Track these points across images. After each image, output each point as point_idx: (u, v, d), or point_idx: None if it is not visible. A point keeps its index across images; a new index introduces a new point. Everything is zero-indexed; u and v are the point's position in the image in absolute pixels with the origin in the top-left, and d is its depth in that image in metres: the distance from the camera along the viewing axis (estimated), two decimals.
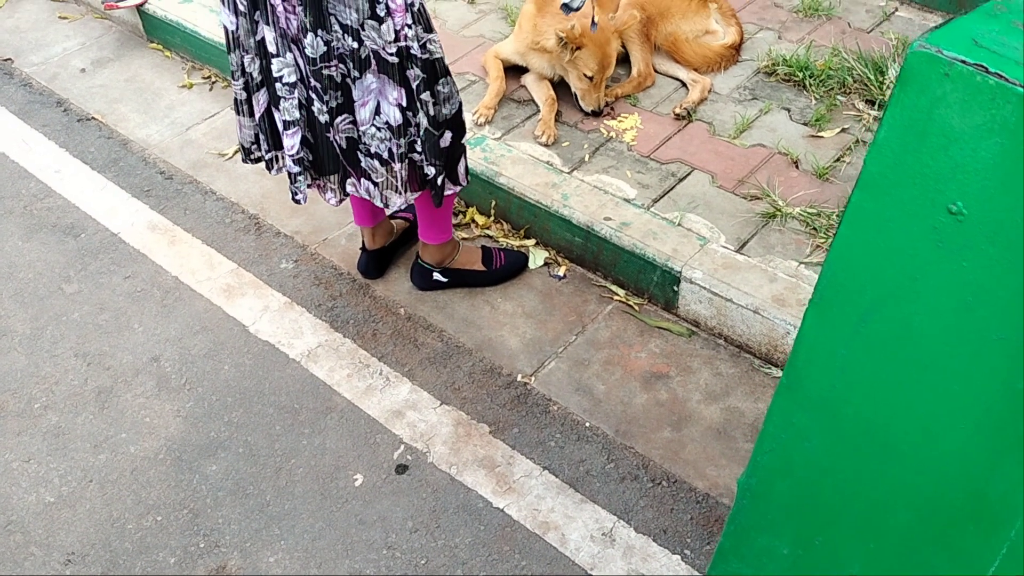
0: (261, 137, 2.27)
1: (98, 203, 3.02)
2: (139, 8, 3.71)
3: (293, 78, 2.08)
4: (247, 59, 2.12)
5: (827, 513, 1.26)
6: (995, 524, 1.07)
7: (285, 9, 1.96)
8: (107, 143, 3.30)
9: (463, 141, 2.29)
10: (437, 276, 2.65)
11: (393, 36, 1.98)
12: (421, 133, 2.15)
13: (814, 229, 2.60)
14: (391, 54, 2.00)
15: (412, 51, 2.02)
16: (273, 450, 2.29)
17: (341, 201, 2.33)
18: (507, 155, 2.88)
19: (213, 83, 3.57)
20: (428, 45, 2.06)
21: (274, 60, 2.06)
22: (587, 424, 2.34)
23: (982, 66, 0.85)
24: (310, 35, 1.98)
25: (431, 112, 2.13)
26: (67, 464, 2.27)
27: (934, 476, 1.08)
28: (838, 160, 2.84)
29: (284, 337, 2.57)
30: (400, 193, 2.23)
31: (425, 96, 2.10)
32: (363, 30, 1.97)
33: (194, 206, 3.01)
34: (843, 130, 2.95)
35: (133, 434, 2.34)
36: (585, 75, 2.92)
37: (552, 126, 2.97)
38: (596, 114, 3.02)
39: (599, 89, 2.98)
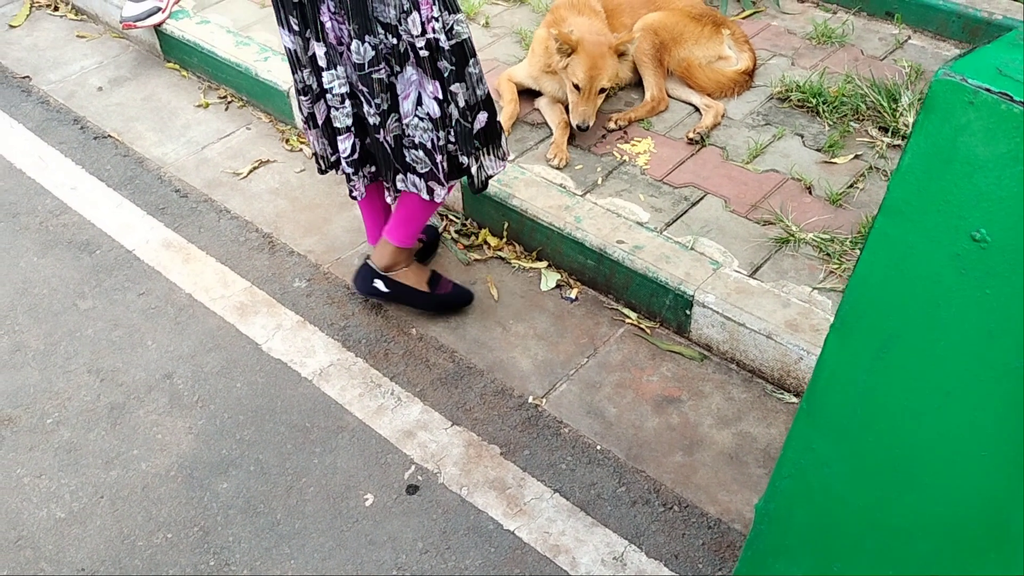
0: (327, 143, 2.41)
1: (113, 220, 3.04)
2: (157, 28, 3.74)
3: (343, 90, 2.22)
4: (306, 73, 2.25)
5: (847, 540, 1.25)
6: (1018, 553, 1.07)
7: (334, 20, 2.07)
8: (123, 161, 3.32)
9: (498, 118, 2.34)
10: (378, 283, 2.62)
11: (420, 29, 2.05)
12: (453, 124, 2.23)
13: (827, 255, 2.60)
14: (421, 47, 2.08)
15: (440, 43, 2.09)
16: (284, 469, 2.29)
17: (396, 199, 2.44)
18: (520, 177, 2.89)
19: (229, 103, 3.60)
20: (455, 27, 2.11)
21: (324, 73, 2.20)
22: (598, 447, 2.33)
23: (1007, 95, 0.86)
24: (355, 42, 2.08)
25: (461, 102, 2.19)
26: (78, 480, 2.27)
27: (956, 505, 1.08)
28: (851, 186, 2.85)
29: (296, 356, 2.57)
30: (443, 184, 2.33)
31: (455, 87, 2.17)
32: (400, 24, 2.05)
33: (209, 224, 3.03)
34: (856, 156, 2.96)
35: (145, 451, 2.34)
36: (574, 85, 2.92)
37: (564, 149, 2.98)
38: (582, 129, 2.96)
39: (586, 103, 2.93)
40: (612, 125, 3.11)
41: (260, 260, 2.87)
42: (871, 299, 1.02)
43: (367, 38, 2.07)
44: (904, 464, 1.10)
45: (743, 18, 3.71)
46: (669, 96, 3.23)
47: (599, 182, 2.90)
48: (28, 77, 3.78)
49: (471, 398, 2.46)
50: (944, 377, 1.01)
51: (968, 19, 3.43)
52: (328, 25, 2.09)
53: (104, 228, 3.01)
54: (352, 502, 2.21)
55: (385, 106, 2.20)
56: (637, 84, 3.27)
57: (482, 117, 2.26)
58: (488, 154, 2.35)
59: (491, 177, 2.40)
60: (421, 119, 2.21)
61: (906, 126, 3.01)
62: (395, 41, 2.08)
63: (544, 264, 2.83)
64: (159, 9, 3.70)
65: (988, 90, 0.86)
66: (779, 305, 2.44)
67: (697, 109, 3.20)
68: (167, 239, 2.97)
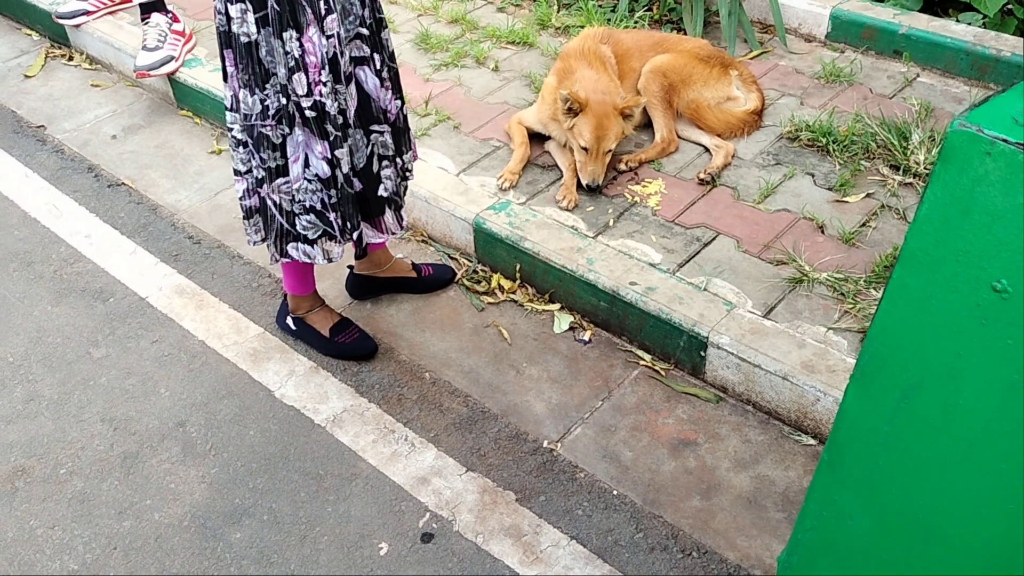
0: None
1: (127, 267, 3.05)
2: (170, 76, 3.79)
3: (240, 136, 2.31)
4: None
5: None
6: None
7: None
8: (137, 208, 3.34)
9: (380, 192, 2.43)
10: (288, 321, 2.73)
11: (306, 90, 2.12)
12: (339, 186, 2.28)
13: (841, 295, 2.59)
14: (307, 107, 2.14)
15: (327, 107, 2.16)
16: (297, 517, 2.27)
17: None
18: (532, 220, 2.89)
19: None
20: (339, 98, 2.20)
21: (227, 113, 2.29)
22: (615, 492, 2.30)
23: None
24: (243, 92, 2.17)
25: (345, 168, 2.27)
26: (91, 531, 2.26)
27: (980, 558, 1.06)
28: (864, 225, 2.84)
29: (309, 402, 2.56)
30: (339, 242, 2.38)
31: (339, 152, 2.23)
32: (288, 83, 2.13)
33: (222, 270, 3.04)
34: (868, 195, 2.95)
35: (158, 500, 2.32)
36: (581, 146, 2.94)
37: (574, 192, 2.99)
38: (593, 189, 2.96)
39: (595, 162, 2.94)
40: (623, 167, 3.12)
41: (273, 306, 2.88)
42: (891, 349, 1.01)
43: (256, 91, 2.12)
44: (928, 516, 1.08)
45: (751, 58, 3.73)
46: (679, 137, 3.24)
47: (611, 223, 2.90)
48: (43, 126, 3.82)
49: (485, 443, 2.44)
50: (967, 428, 1.00)
51: (976, 56, 3.44)
52: (231, 71, 2.16)
53: (118, 276, 3.02)
54: (367, 551, 2.19)
55: (273, 164, 2.23)
56: (647, 125, 3.28)
57: (357, 184, 2.35)
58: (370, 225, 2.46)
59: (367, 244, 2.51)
60: (310, 181, 2.24)
61: (917, 164, 3.01)
62: (284, 100, 2.13)
63: (557, 306, 2.83)
64: (172, 58, 3.75)
65: (1006, 141, 0.86)
66: (794, 346, 2.42)
67: (707, 149, 3.21)
68: (180, 286, 2.97)
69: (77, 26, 4.17)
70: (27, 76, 4.16)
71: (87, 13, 4.16)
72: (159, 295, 2.94)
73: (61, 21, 4.18)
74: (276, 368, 2.67)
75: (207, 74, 3.76)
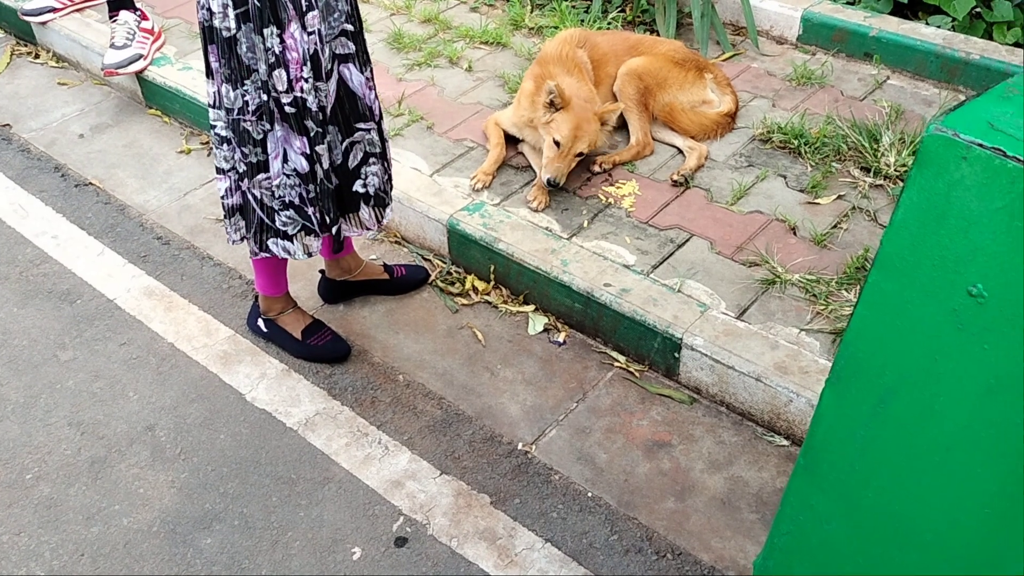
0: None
1: (95, 269, 3.01)
2: (139, 75, 3.74)
3: (224, 133, 2.30)
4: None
5: None
6: None
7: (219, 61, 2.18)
8: (105, 208, 3.29)
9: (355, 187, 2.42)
10: (260, 323, 2.70)
11: (286, 86, 2.11)
12: (318, 182, 2.27)
13: (814, 296, 2.60)
14: (287, 103, 2.13)
15: (308, 103, 2.14)
16: (269, 522, 2.24)
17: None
18: (506, 221, 2.88)
19: (211, 149, 3.58)
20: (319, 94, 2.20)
21: (210, 111, 2.28)
22: (589, 494, 2.30)
23: (1000, 150, 0.85)
24: (226, 87, 2.15)
25: (325, 164, 2.27)
26: (59, 537, 2.22)
27: (955, 562, 1.06)
28: (835, 227, 2.86)
29: (281, 405, 2.53)
30: (318, 236, 2.37)
31: (320, 148, 2.23)
32: (268, 79, 2.13)
33: (191, 272, 3.00)
34: (839, 197, 2.97)
35: (126, 506, 2.29)
36: (555, 140, 2.92)
37: (545, 193, 2.98)
38: (553, 185, 2.91)
39: (562, 160, 2.91)
40: (597, 168, 3.11)
41: (244, 307, 2.84)
42: (867, 353, 1.01)
43: (237, 86, 2.12)
44: (904, 521, 1.08)
45: (723, 60, 3.75)
46: (653, 139, 3.25)
47: (585, 225, 2.90)
48: (8, 125, 3.76)
49: (460, 446, 2.42)
50: (943, 433, 1.00)
51: (946, 59, 3.48)
52: (214, 66, 2.15)
53: (85, 277, 2.97)
54: (339, 556, 2.16)
55: (254, 159, 2.22)
56: (622, 126, 3.28)
57: (334, 179, 2.34)
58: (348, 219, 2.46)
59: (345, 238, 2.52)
60: (288, 176, 2.23)
61: (887, 166, 3.03)
62: (264, 97, 2.12)
63: (531, 308, 2.82)
64: (141, 56, 3.70)
65: (981, 145, 0.86)
66: (767, 347, 2.43)
67: (681, 151, 3.22)
68: (149, 287, 2.93)
69: (43, 23, 4.11)
70: None
71: (54, 10, 4.10)
72: (127, 297, 2.90)
73: (27, 18, 4.11)
74: (247, 371, 2.63)
75: (176, 72, 3.71)
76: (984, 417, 0.95)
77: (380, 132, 2.40)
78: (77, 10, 4.17)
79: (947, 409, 0.98)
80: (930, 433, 1.01)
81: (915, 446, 1.03)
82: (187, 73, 3.70)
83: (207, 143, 3.62)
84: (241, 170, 2.26)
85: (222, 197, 2.34)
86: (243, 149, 2.22)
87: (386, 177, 2.46)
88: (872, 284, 0.97)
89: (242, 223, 2.37)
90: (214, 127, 2.23)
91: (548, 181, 2.91)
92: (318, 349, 2.65)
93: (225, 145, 2.24)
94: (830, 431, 1.11)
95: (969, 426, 0.97)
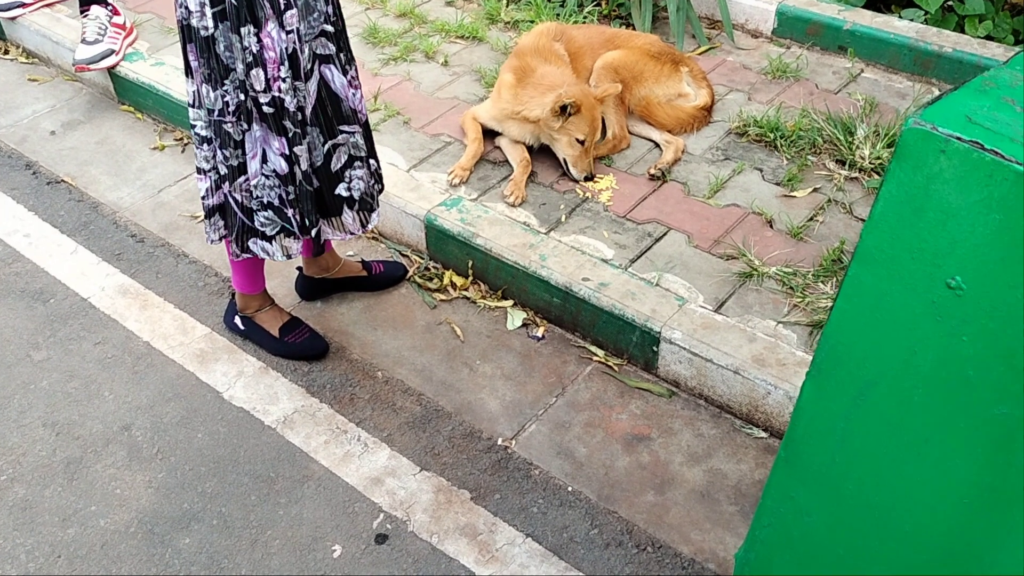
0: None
1: (68, 268, 2.97)
2: (111, 70, 3.69)
3: (204, 132, 2.27)
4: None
5: None
6: None
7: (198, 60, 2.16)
8: (77, 206, 3.25)
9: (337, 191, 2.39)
10: (237, 320, 2.68)
11: (264, 85, 2.09)
12: (297, 184, 2.26)
13: (791, 288, 2.62)
14: (265, 103, 2.12)
15: (286, 103, 2.13)
16: (248, 521, 2.23)
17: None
18: (484, 216, 2.87)
19: (185, 145, 3.55)
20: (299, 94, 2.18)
21: (190, 110, 2.26)
22: (569, 488, 2.30)
23: (978, 143, 0.86)
24: (206, 87, 2.13)
25: (304, 165, 2.24)
26: (34, 539, 2.19)
27: (935, 552, 1.07)
28: (811, 219, 2.87)
29: (259, 403, 2.52)
30: (297, 239, 2.35)
31: (298, 149, 2.21)
32: (246, 79, 2.10)
33: (166, 269, 2.97)
34: (815, 190, 2.99)
35: (103, 507, 2.26)
36: (577, 140, 2.94)
37: (522, 188, 2.98)
38: (589, 179, 3.01)
39: (589, 155, 2.99)
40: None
41: (220, 305, 2.82)
42: (847, 346, 1.02)
43: (217, 86, 2.10)
44: (884, 512, 1.09)
45: (699, 54, 3.76)
46: (630, 133, 3.25)
47: (563, 219, 2.90)
48: None
49: (439, 442, 2.42)
50: (922, 424, 1.01)
51: (919, 52, 3.51)
52: (193, 65, 2.12)
53: (58, 276, 2.93)
54: (320, 554, 2.15)
55: (235, 162, 2.20)
56: None
57: (315, 182, 2.32)
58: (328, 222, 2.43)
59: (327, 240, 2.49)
60: (267, 176, 2.21)
61: (862, 158, 3.05)
62: (243, 97, 2.10)
63: (510, 303, 2.82)
64: (113, 51, 3.65)
65: (959, 139, 0.87)
66: (745, 340, 2.44)
67: (657, 145, 3.22)
68: (123, 286, 2.90)
69: (12, 19, 4.05)
70: None
71: (23, 5, 4.04)
72: (102, 295, 2.86)
73: None
74: (224, 369, 2.61)
75: (149, 68, 3.67)
76: (962, 408, 0.96)
77: (367, 135, 2.38)
78: (47, 5, 4.11)
79: (926, 401, 0.99)
80: (909, 425, 1.01)
81: (894, 438, 1.03)
82: (160, 68, 3.66)
83: (181, 139, 3.58)
84: (223, 172, 2.23)
85: (202, 197, 2.31)
86: (224, 152, 2.19)
87: (372, 181, 2.44)
88: (852, 277, 0.98)
89: (221, 223, 2.35)
90: (194, 126, 2.21)
91: (585, 178, 3.02)
92: (296, 346, 2.63)
93: (205, 145, 2.22)
94: (810, 424, 1.11)
95: (948, 418, 0.98)
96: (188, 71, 2.15)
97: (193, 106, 2.19)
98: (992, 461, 0.97)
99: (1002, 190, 0.85)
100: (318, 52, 2.17)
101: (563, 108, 2.88)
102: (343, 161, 2.33)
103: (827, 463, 1.11)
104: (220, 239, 2.38)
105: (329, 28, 2.17)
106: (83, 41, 3.65)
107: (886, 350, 0.99)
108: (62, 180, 3.38)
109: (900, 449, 1.04)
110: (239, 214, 2.28)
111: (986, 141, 0.86)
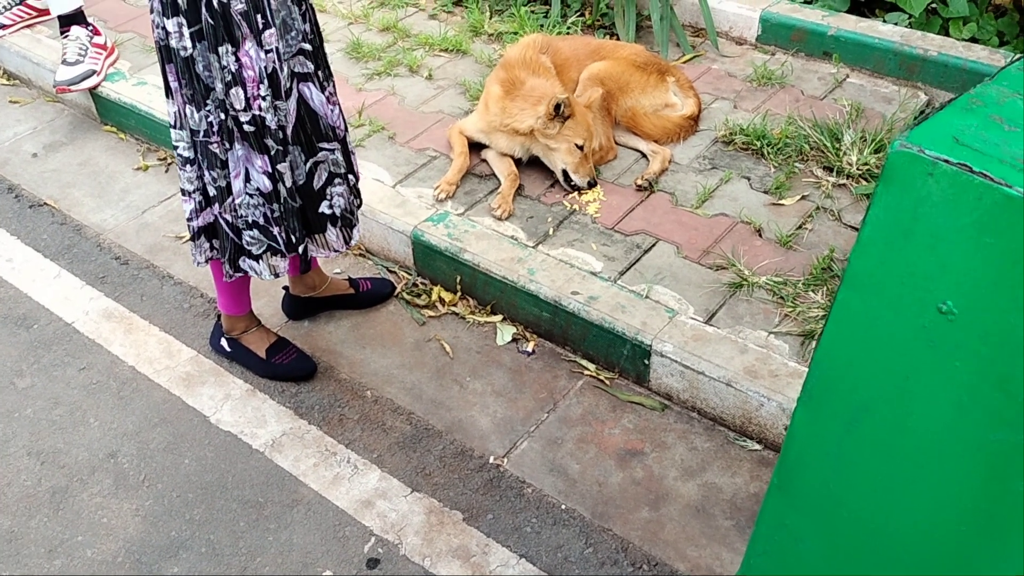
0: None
1: (51, 292, 2.93)
2: (92, 91, 3.66)
3: (187, 153, 2.25)
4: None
5: None
6: None
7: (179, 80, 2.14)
8: (60, 229, 3.22)
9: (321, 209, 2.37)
10: (223, 342, 2.66)
11: (244, 104, 2.08)
12: (282, 201, 2.24)
13: (781, 298, 2.60)
14: (246, 122, 2.10)
15: (267, 121, 2.11)
16: (237, 548, 2.20)
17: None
18: (471, 231, 2.85)
19: (169, 164, 3.52)
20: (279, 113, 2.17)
21: (171, 131, 2.24)
22: (563, 506, 2.28)
23: (966, 166, 0.84)
24: (189, 108, 2.11)
25: (288, 182, 2.23)
26: (20, 571, 2.15)
27: None
28: (800, 227, 2.86)
29: (247, 426, 2.49)
30: (284, 256, 2.33)
31: (282, 167, 2.19)
32: (225, 98, 2.09)
33: (151, 292, 2.94)
34: (803, 197, 2.97)
35: (90, 536, 2.23)
36: (576, 145, 2.93)
37: (510, 201, 2.96)
38: (592, 185, 3.01)
39: (589, 160, 2.99)
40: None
41: (206, 327, 2.79)
42: (838, 372, 1.00)
43: (200, 107, 2.09)
44: (879, 539, 1.07)
45: (684, 63, 3.74)
46: (616, 143, 3.23)
47: (550, 232, 2.88)
48: None
49: (430, 462, 2.39)
50: (917, 450, 0.99)
51: (904, 56, 3.50)
52: (174, 86, 2.11)
53: (42, 301, 2.90)
54: None
55: (223, 183, 2.19)
56: None
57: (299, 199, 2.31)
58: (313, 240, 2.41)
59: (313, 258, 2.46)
60: (251, 195, 2.20)
61: (850, 165, 3.04)
62: (223, 116, 2.09)
63: (499, 318, 2.79)
64: (94, 72, 3.62)
65: (947, 161, 0.85)
66: (737, 351, 2.42)
67: (644, 155, 3.21)
68: (108, 309, 2.87)
69: None
70: None
71: (2, 27, 4.00)
72: (86, 320, 2.83)
73: None
74: (211, 392, 2.58)
75: (131, 88, 3.64)
76: (956, 434, 0.94)
77: (345, 151, 2.36)
78: (27, 26, 4.08)
79: (919, 426, 0.97)
80: (903, 451, 0.99)
81: (889, 464, 1.01)
82: (142, 88, 3.63)
83: (164, 159, 3.55)
84: (212, 194, 2.21)
85: (188, 219, 2.29)
86: (212, 173, 2.17)
87: (352, 196, 2.42)
88: (841, 302, 0.96)
89: (206, 245, 2.33)
90: (176, 147, 2.19)
91: (588, 184, 3.00)
92: (283, 367, 2.61)
93: (189, 166, 2.20)
94: (803, 450, 1.09)
95: (942, 443, 0.96)
96: (168, 92, 2.13)
97: (175, 127, 2.16)
98: (988, 488, 0.95)
99: (992, 213, 0.84)
100: (296, 70, 2.16)
101: (556, 108, 2.86)
102: (324, 178, 2.32)
103: (821, 490, 1.09)
104: (207, 261, 2.35)
105: (307, 46, 2.15)
106: (64, 62, 3.62)
107: (878, 376, 0.97)
108: (44, 203, 3.35)
109: (894, 476, 1.02)
110: (230, 235, 2.26)
111: (975, 163, 0.84)
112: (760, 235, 2.84)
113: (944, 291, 0.89)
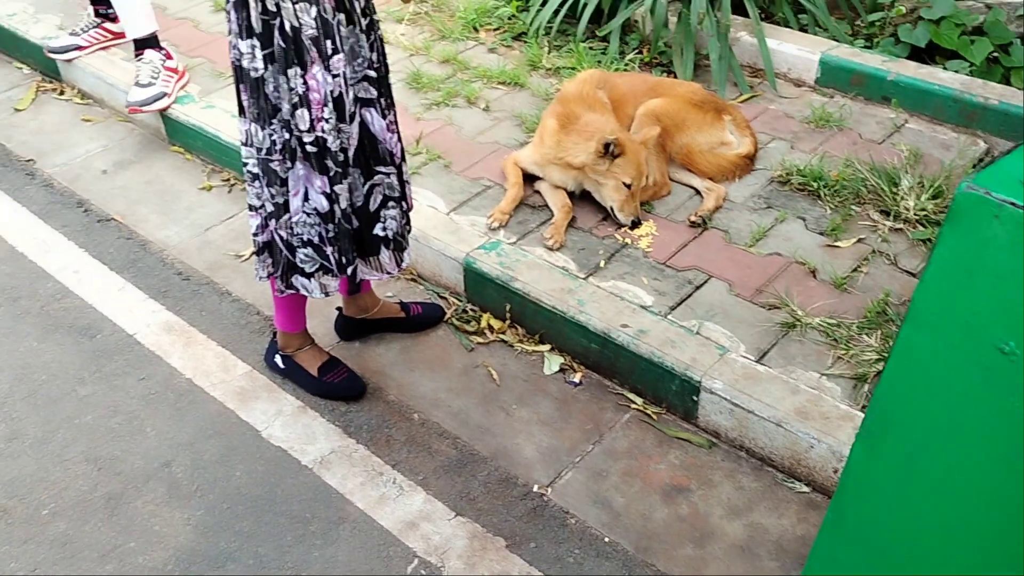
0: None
1: (115, 304, 3.02)
2: (162, 112, 3.78)
3: (255, 170, 2.32)
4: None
5: None
6: None
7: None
8: (126, 244, 3.32)
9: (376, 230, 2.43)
10: (277, 359, 2.71)
11: (308, 125, 2.14)
12: (336, 221, 2.29)
13: (835, 340, 2.59)
14: (309, 143, 2.17)
15: (328, 143, 2.18)
16: (283, 563, 2.23)
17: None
18: (522, 260, 2.89)
19: (232, 185, 3.62)
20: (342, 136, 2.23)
21: (242, 148, 2.30)
22: (606, 539, 2.28)
23: None
24: (254, 126, 2.19)
25: (343, 204, 2.28)
26: (73, 574, 2.21)
27: None
28: (856, 270, 2.85)
29: (297, 443, 2.53)
30: (335, 276, 2.39)
31: (339, 188, 2.25)
32: (291, 119, 2.16)
33: (210, 307, 3.01)
34: (859, 240, 2.96)
35: (142, 543, 2.28)
36: (624, 183, 2.95)
37: (562, 233, 2.99)
38: (636, 224, 3.01)
39: (636, 199, 3.01)
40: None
41: (261, 343, 2.85)
42: (898, 409, 1.00)
43: (265, 126, 2.16)
44: None
45: (741, 102, 3.76)
46: (671, 180, 3.25)
47: (601, 265, 2.90)
48: (32, 160, 3.80)
49: (475, 487, 2.41)
50: (972, 489, 0.99)
51: (964, 104, 3.48)
52: (245, 104, 2.18)
53: (105, 312, 2.99)
54: None
55: (280, 200, 2.25)
56: None
57: (355, 221, 2.36)
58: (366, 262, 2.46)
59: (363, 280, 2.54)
60: (308, 214, 2.25)
61: (907, 209, 3.03)
62: (287, 135, 2.16)
63: (547, 347, 2.81)
64: (165, 94, 3.74)
65: (1013, 204, 0.86)
66: (788, 392, 2.41)
67: (698, 192, 3.22)
68: (168, 323, 2.94)
69: (69, 61, 4.17)
70: (17, 109, 4.15)
71: (79, 48, 4.16)
72: (147, 332, 2.91)
73: (53, 55, 4.17)
74: (263, 407, 2.63)
75: (199, 111, 3.75)
76: (1013, 474, 0.94)
77: (400, 176, 2.42)
78: (103, 48, 4.23)
79: (976, 465, 0.97)
80: (958, 489, 0.99)
81: (945, 504, 1.01)
82: (210, 111, 3.74)
83: (228, 180, 3.65)
84: (269, 210, 2.29)
85: (253, 234, 2.36)
86: (271, 190, 2.24)
87: (403, 221, 2.47)
88: (903, 339, 0.97)
89: (269, 260, 2.39)
90: (246, 164, 2.27)
91: (632, 223, 3.01)
92: (334, 386, 2.65)
93: (256, 182, 2.27)
94: (859, 486, 1.09)
95: (998, 483, 0.96)
96: (241, 110, 2.20)
97: (245, 144, 2.24)
98: None
99: None
100: (360, 96, 2.23)
101: (606, 147, 2.89)
102: (379, 201, 2.38)
103: (876, 527, 1.09)
104: (267, 276, 2.42)
105: (372, 73, 2.23)
106: (136, 83, 3.75)
107: (937, 414, 0.97)
108: (112, 218, 3.45)
109: (951, 515, 1.02)
110: (284, 251, 2.32)
111: None
112: (814, 276, 2.83)
113: (1006, 332, 0.90)
